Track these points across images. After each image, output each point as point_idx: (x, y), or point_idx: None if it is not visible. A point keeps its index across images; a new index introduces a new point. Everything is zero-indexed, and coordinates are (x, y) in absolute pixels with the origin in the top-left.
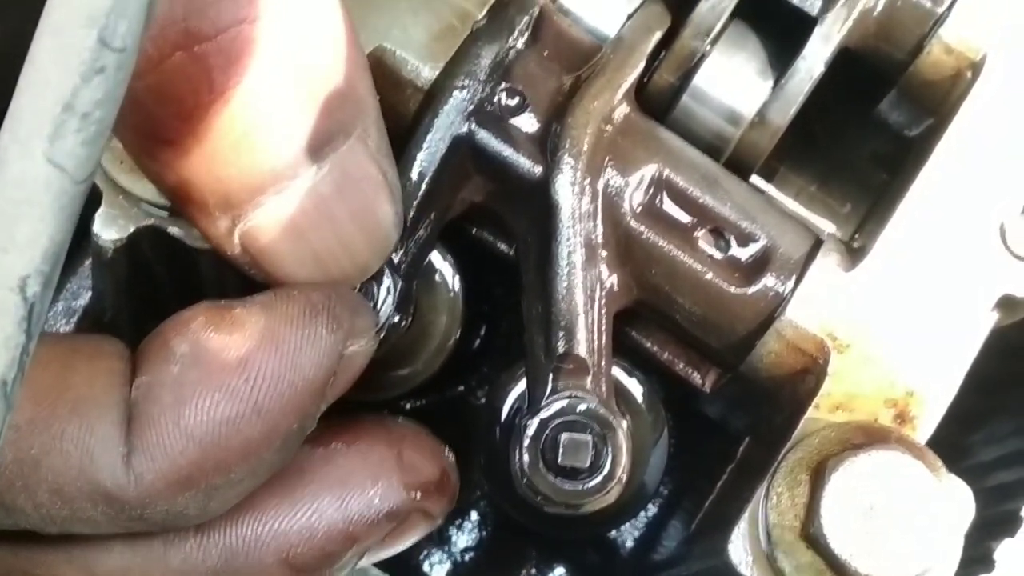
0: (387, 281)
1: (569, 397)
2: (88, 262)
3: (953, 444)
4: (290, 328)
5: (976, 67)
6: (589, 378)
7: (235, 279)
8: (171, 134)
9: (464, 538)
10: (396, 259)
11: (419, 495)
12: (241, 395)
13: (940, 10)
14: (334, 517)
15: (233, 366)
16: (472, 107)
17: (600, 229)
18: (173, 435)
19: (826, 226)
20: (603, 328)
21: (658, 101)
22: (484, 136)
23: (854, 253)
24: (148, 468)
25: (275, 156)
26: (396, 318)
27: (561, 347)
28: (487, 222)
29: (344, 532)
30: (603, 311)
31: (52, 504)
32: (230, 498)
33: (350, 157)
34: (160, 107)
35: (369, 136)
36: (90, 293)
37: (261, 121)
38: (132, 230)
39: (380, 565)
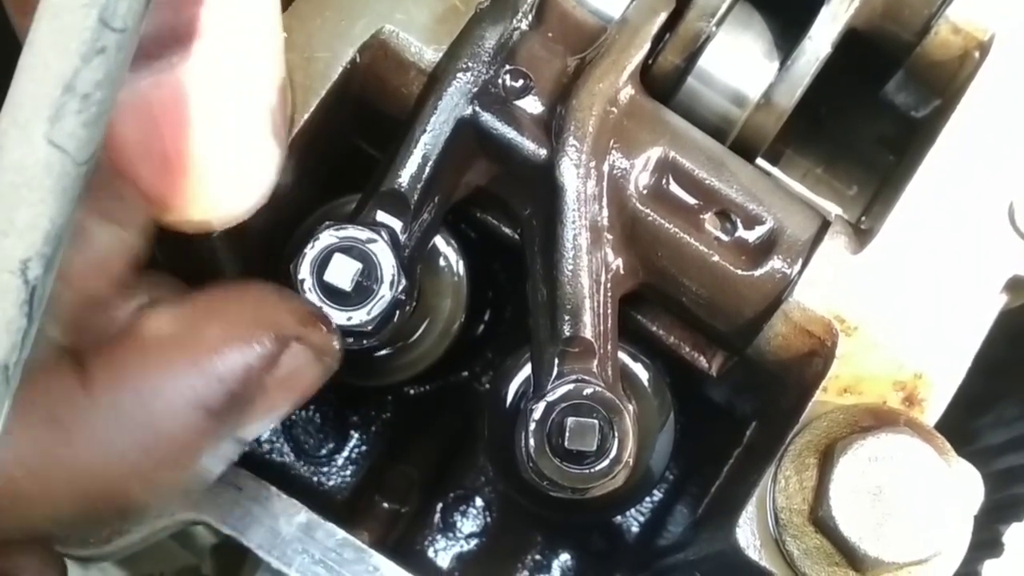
0: (391, 261)
1: (575, 381)
2: None
3: (960, 428)
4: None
5: (984, 47)
6: (595, 361)
7: (235, 268)
8: None
9: (469, 524)
10: (401, 240)
11: (300, 321)
12: None
13: None
14: (230, 354)
15: None
16: (476, 89)
17: (605, 212)
18: None
19: (833, 208)
20: (609, 311)
21: (663, 83)
22: (488, 118)
23: (862, 235)
24: None
25: None
26: (403, 296)
27: (567, 330)
28: (492, 206)
29: (243, 367)
30: (609, 294)
31: None
32: None
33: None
34: None
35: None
36: None
37: None
38: None
39: (385, 554)
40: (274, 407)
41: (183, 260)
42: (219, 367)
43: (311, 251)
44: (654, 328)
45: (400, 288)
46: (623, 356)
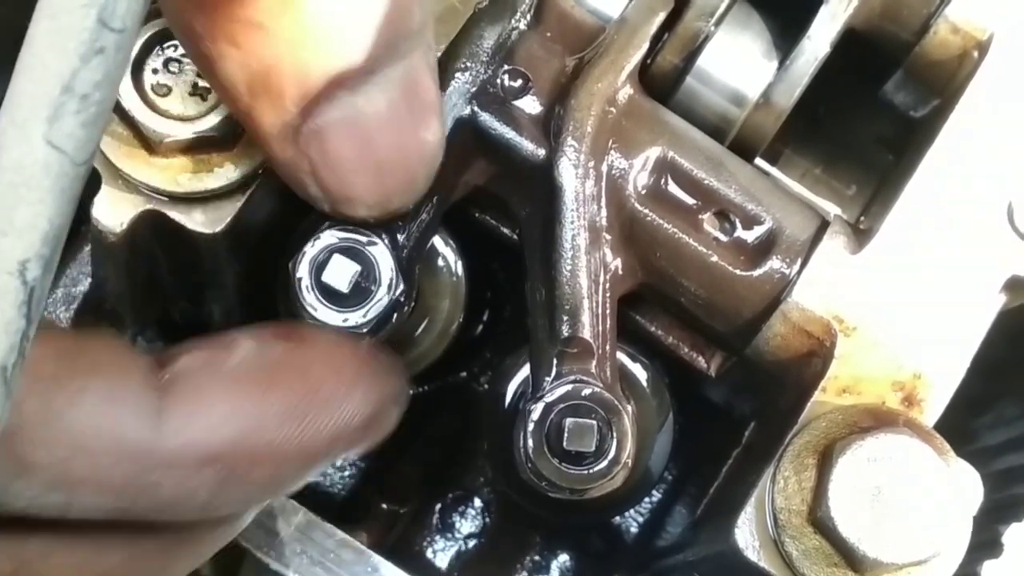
0: (390, 264)
1: (574, 381)
2: (87, 248)
3: (960, 428)
4: (351, 368)
5: (983, 47)
6: (594, 362)
7: (236, 265)
8: (262, 15)
9: (468, 524)
10: (399, 242)
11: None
12: (296, 405)
13: None
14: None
15: (296, 374)
16: (474, 89)
17: (604, 212)
18: (214, 407)
19: (831, 208)
20: (608, 312)
21: (662, 83)
22: (487, 118)
23: (860, 235)
24: (178, 430)
25: (357, 47)
26: (400, 299)
27: (565, 331)
28: (490, 206)
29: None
30: (607, 295)
31: (71, 461)
32: (237, 498)
33: (417, 66)
34: None
35: (430, 50)
36: (90, 280)
37: (349, 8)
38: (133, 215)
39: (384, 555)
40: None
41: (182, 253)
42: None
43: (311, 249)
44: (652, 328)
45: (398, 291)
46: (622, 356)
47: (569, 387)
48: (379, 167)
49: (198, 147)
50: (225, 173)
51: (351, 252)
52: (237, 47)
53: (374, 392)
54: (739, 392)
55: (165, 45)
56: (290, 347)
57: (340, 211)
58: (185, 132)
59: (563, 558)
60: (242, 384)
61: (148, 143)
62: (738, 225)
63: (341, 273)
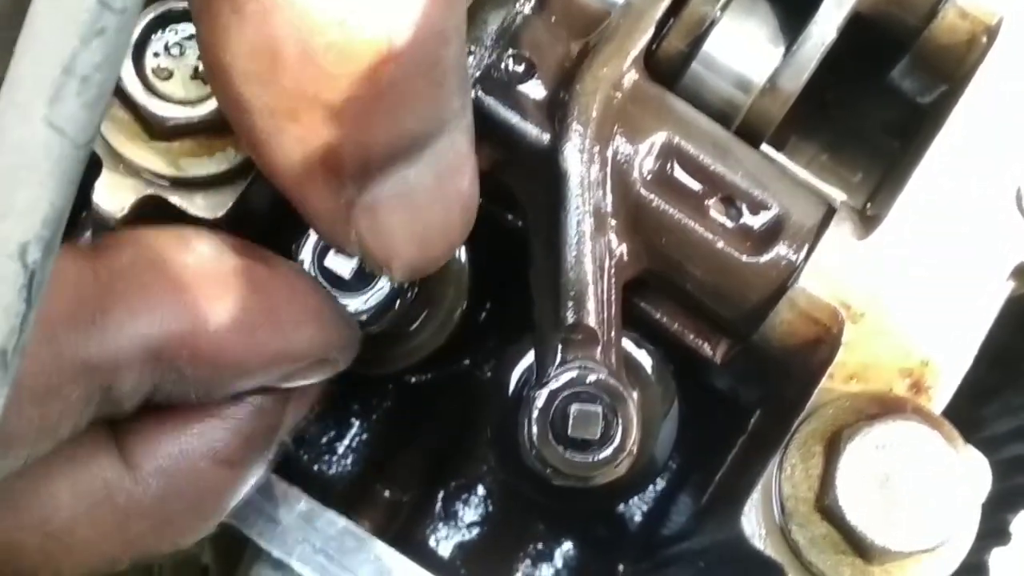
0: None
1: (579, 368)
2: (88, 234)
3: (966, 416)
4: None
5: (992, 32)
6: (599, 349)
7: None
8: (334, 94)
9: (470, 513)
10: None
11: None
12: (247, 319)
13: None
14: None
15: (252, 289)
16: (479, 73)
17: (609, 198)
18: (158, 304)
19: (838, 195)
20: (613, 298)
21: (668, 68)
22: (491, 103)
23: (868, 221)
24: (119, 325)
25: (420, 120)
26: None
27: (570, 317)
28: (494, 192)
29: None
30: (613, 281)
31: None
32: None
33: (464, 130)
34: (338, 67)
35: (470, 112)
36: None
37: (418, 85)
38: (133, 200)
39: (386, 543)
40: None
41: None
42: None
43: (315, 233)
44: (657, 315)
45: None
46: (627, 343)
47: (574, 374)
48: (424, 236)
49: (200, 131)
50: (226, 157)
51: None
52: (297, 123)
53: (326, 332)
54: (745, 379)
55: (167, 28)
56: (249, 263)
57: (378, 272)
58: (187, 116)
59: (566, 546)
60: (190, 286)
61: (149, 127)
62: (744, 211)
63: (344, 258)
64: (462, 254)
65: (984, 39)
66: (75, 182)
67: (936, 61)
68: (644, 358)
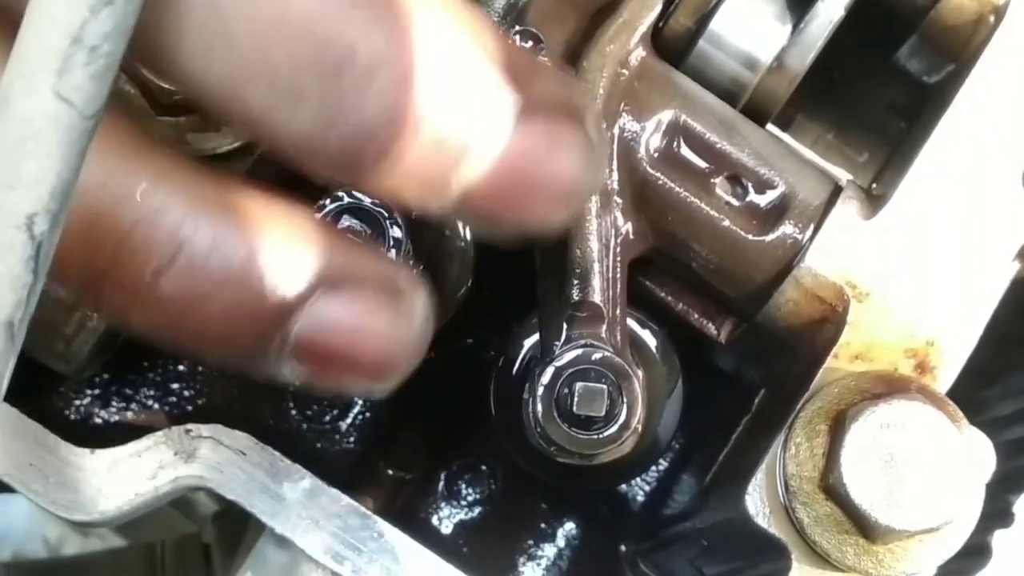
0: (396, 233)
1: (584, 346)
2: None
3: (969, 398)
4: None
5: (999, 11)
6: (604, 326)
7: None
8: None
9: (473, 492)
10: None
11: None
12: None
13: None
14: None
15: None
16: None
17: (615, 175)
18: None
19: (843, 175)
20: (618, 276)
21: (674, 46)
22: None
23: (874, 200)
24: None
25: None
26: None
27: (575, 295)
28: None
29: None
30: (618, 259)
31: None
32: None
33: None
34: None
35: None
36: None
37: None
38: None
39: (390, 521)
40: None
41: None
42: None
43: (320, 211)
44: (662, 294)
45: (406, 252)
46: (631, 322)
47: (579, 351)
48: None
49: None
50: (233, 131)
51: (360, 212)
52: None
53: None
54: (749, 359)
55: None
56: None
57: None
58: None
59: (569, 526)
60: None
61: (155, 101)
62: (751, 189)
63: (349, 233)
64: (467, 232)
65: (992, 19)
66: (83, 154)
67: (943, 41)
68: (649, 337)
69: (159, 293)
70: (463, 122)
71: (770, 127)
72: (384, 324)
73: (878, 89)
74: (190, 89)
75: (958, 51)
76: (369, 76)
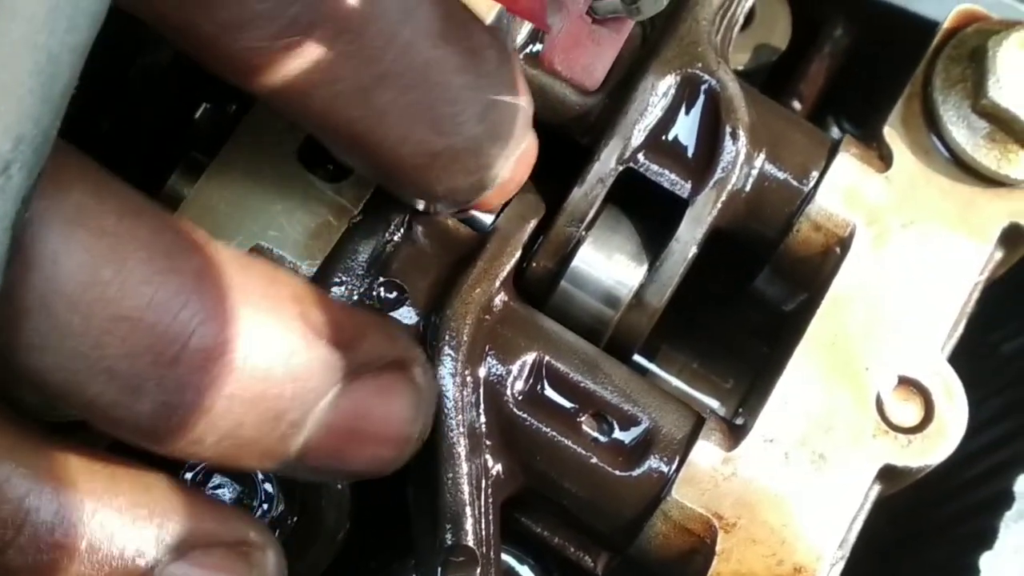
0: (268, 488)
1: None
2: None
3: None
4: None
5: (844, 243)
6: (478, 570)
7: None
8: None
9: None
10: None
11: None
12: None
13: (806, 188)
14: None
15: None
16: (352, 303)
17: (483, 418)
18: None
19: (711, 403)
20: (491, 517)
21: (537, 287)
22: None
23: (736, 431)
24: None
25: None
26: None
27: (449, 539)
28: None
29: None
30: (490, 500)
31: None
32: None
33: None
34: None
35: None
36: None
37: None
38: None
39: None
40: None
41: None
42: None
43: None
44: (538, 530)
45: (278, 511)
46: (508, 558)
47: None
48: None
49: None
50: None
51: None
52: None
53: None
54: None
55: None
56: None
57: None
58: None
59: None
60: None
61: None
62: (616, 426)
63: (220, 490)
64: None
65: (838, 250)
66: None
67: (794, 271)
68: (526, 573)
69: (7, 565)
70: (293, 392)
71: (637, 359)
72: None
73: (739, 317)
74: (35, 386)
75: (809, 281)
76: (205, 362)
